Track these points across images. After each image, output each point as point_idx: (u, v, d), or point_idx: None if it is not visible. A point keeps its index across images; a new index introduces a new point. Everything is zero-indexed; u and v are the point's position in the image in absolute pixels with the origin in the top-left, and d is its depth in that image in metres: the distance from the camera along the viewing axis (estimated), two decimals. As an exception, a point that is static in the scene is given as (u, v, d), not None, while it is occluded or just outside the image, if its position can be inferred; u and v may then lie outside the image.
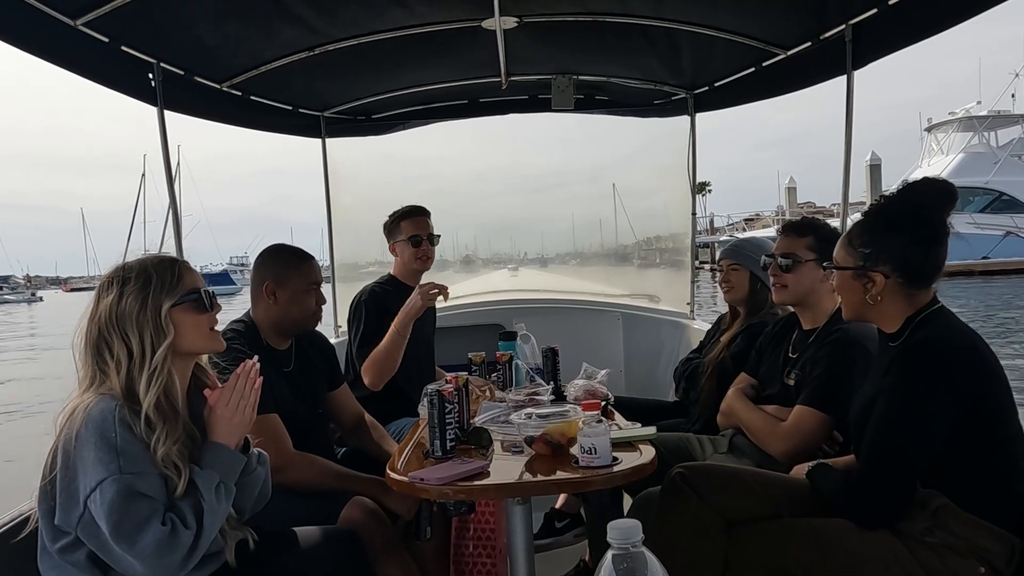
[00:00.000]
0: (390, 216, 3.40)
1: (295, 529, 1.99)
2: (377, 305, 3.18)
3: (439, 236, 3.41)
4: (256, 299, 2.49)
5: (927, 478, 1.70)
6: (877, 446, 1.71)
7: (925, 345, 1.72)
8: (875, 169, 35.17)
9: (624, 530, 0.87)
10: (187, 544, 1.57)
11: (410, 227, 3.32)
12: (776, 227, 30.07)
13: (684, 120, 4.38)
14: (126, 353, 1.67)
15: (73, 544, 1.61)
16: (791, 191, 49.10)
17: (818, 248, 2.43)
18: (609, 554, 0.89)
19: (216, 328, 1.82)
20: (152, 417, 1.64)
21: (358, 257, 4.89)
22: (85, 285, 70.11)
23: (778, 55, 3.42)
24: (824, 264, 2.08)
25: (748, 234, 33.70)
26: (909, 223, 1.80)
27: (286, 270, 2.50)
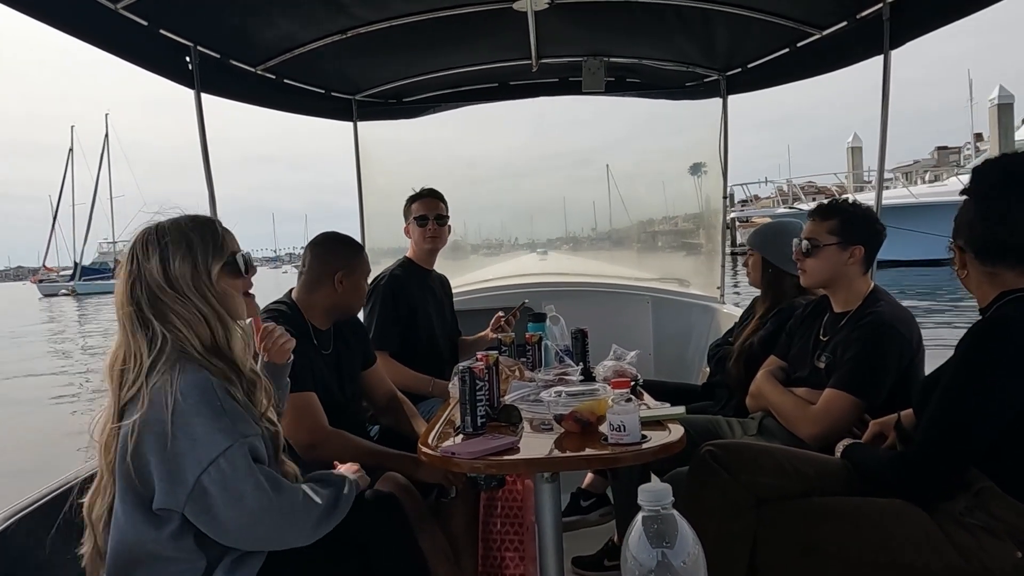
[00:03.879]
0: (406, 200, 3.49)
1: None
2: (394, 291, 3.24)
3: (447, 217, 3.46)
4: (318, 285, 2.54)
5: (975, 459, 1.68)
6: (939, 419, 1.68)
7: (997, 323, 1.69)
8: (1005, 109, 28.60)
9: (655, 492, 0.89)
10: (320, 509, 1.66)
11: (419, 208, 3.41)
12: (783, 207, 28.58)
13: (715, 102, 4.34)
14: (199, 316, 1.65)
15: (181, 527, 1.58)
16: (855, 151, 41.62)
17: (840, 231, 2.39)
18: (640, 516, 0.90)
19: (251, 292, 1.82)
20: (252, 378, 1.67)
21: (387, 241, 4.93)
22: (58, 276, 60.96)
23: (813, 35, 3.37)
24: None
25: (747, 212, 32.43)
26: (976, 197, 1.77)
27: (353, 260, 2.60)
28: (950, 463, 1.68)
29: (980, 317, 1.77)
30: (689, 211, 5.04)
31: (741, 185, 31.25)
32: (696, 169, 4.70)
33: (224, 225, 1.78)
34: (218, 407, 1.56)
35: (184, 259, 1.66)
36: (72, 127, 59.93)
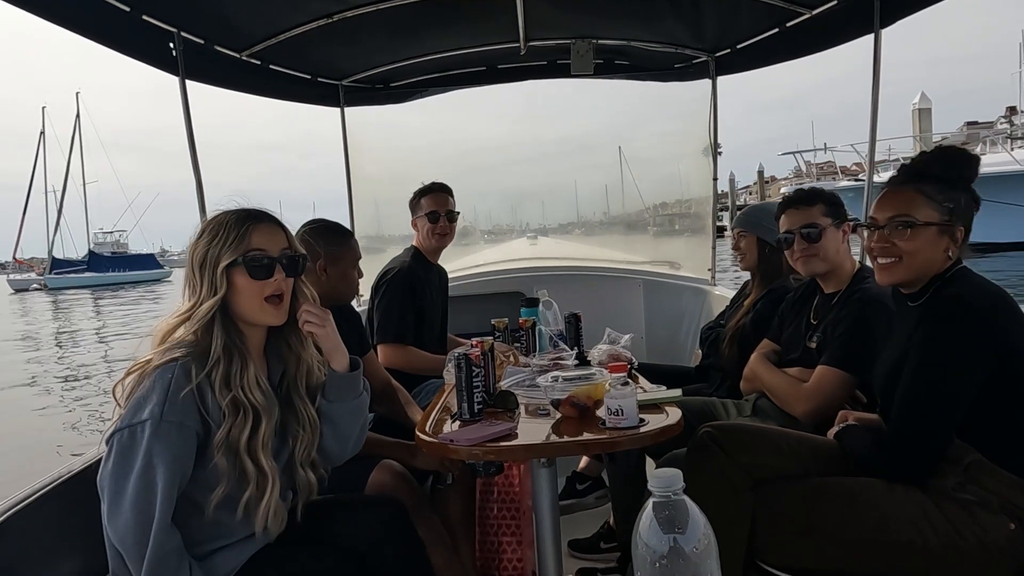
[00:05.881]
0: (414, 193, 3.42)
1: (341, 497, 2.04)
2: (412, 284, 3.18)
3: (459, 213, 3.41)
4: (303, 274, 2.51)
5: (960, 432, 1.70)
6: (910, 399, 1.71)
7: (957, 300, 1.72)
8: None
9: (665, 478, 0.88)
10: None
11: (429, 203, 3.34)
12: (844, 180, 27.33)
13: (705, 84, 4.32)
14: (198, 293, 1.68)
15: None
16: (923, 113, 36.07)
17: (831, 212, 2.44)
18: (650, 502, 0.90)
19: (271, 300, 1.72)
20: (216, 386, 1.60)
21: (379, 229, 4.91)
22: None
23: (803, 14, 3.35)
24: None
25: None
26: (968, 180, 1.82)
27: (338, 247, 2.56)
28: (928, 440, 1.70)
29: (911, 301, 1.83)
30: (680, 195, 5.00)
31: (795, 153, 29.52)
32: (708, 151, 4.66)
33: (263, 223, 1.74)
34: (167, 380, 1.55)
35: (204, 242, 1.70)
36: (43, 108, 55.96)
